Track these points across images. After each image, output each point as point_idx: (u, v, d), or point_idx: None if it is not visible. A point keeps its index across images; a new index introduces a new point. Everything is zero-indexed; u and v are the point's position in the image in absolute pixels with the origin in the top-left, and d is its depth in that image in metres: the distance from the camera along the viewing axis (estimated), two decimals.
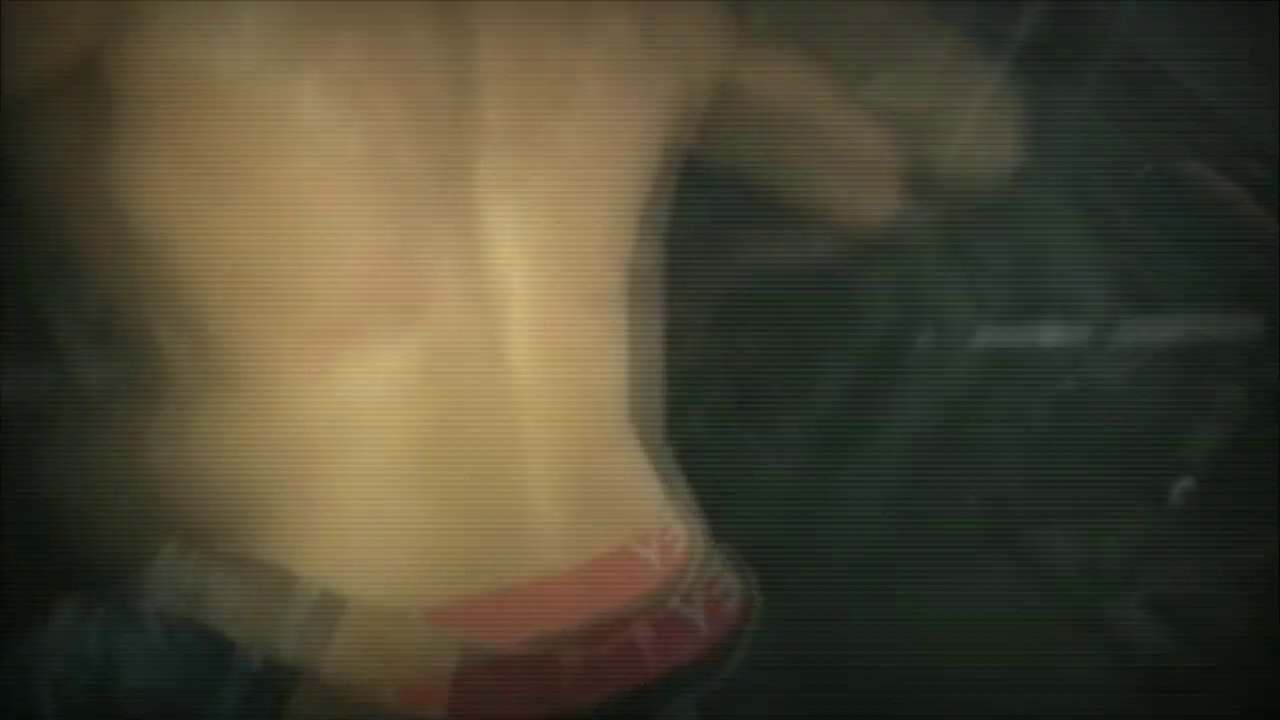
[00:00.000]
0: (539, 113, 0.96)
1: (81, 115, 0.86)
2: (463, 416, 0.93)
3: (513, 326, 0.95)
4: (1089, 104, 1.85)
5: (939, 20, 1.19)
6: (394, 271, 0.90)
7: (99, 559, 0.96)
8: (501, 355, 0.94)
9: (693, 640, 0.97)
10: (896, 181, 1.22)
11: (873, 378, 1.76)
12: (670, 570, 0.99)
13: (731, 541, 1.04)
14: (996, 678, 1.82)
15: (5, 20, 0.81)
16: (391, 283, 0.90)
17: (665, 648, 0.96)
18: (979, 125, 1.18)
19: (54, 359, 1.01)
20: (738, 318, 1.61)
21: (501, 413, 0.94)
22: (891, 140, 1.19)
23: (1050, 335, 1.88)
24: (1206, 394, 1.97)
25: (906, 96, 1.19)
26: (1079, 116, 1.85)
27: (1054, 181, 1.79)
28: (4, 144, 0.89)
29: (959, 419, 1.82)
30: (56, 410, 1.03)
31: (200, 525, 0.91)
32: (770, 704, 1.01)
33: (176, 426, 0.93)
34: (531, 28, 0.95)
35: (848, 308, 1.73)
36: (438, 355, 0.92)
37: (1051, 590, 1.99)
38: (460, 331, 0.93)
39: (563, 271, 0.96)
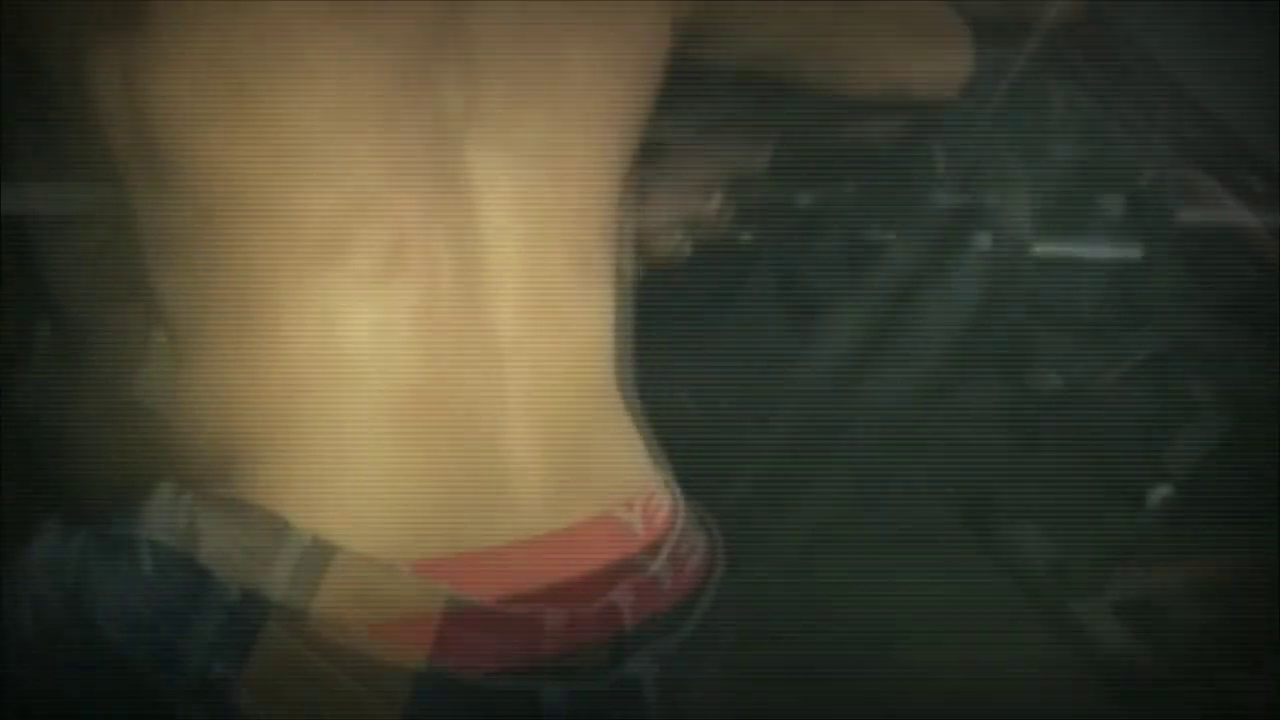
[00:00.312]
0: (526, 69, 0.96)
1: (108, 24, 0.88)
2: (447, 369, 0.93)
3: (500, 281, 0.95)
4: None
5: None
6: (379, 211, 0.91)
7: (87, 488, 0.97)
8: (488, 309, 0.95)
9: (660, 597, 0.98)
10: (967, 34, 1.19)
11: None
12: (653, 536, 1.00)
13: (702, 501, 1.05)
14: (958, 654, 1.85)
15: None
16: (377, 222, 0.91)
17: (644, 609, 0.97)
18: None
19: (52, 296, 1.02)
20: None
21: (487, 367, 0.95)
22: None
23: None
24: (1191, 402, 1.99)
25: None
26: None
27: None
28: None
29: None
30: (54, 345, 1.04)
31: (193, 465, 0.93)
32: (727, 665, 1.01)
33: (169, 367, 0.94)
34: None
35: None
36: (422, 305, 0.93)
37: (1020, 583, 2.01)
38: (446, 282, 0.93)
39: (549, 228, 0.97)
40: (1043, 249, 1.82)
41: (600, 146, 1.00)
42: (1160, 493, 1.92)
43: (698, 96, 1.10)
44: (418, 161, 0.92)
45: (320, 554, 0.89)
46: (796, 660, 1.73)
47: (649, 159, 1.06)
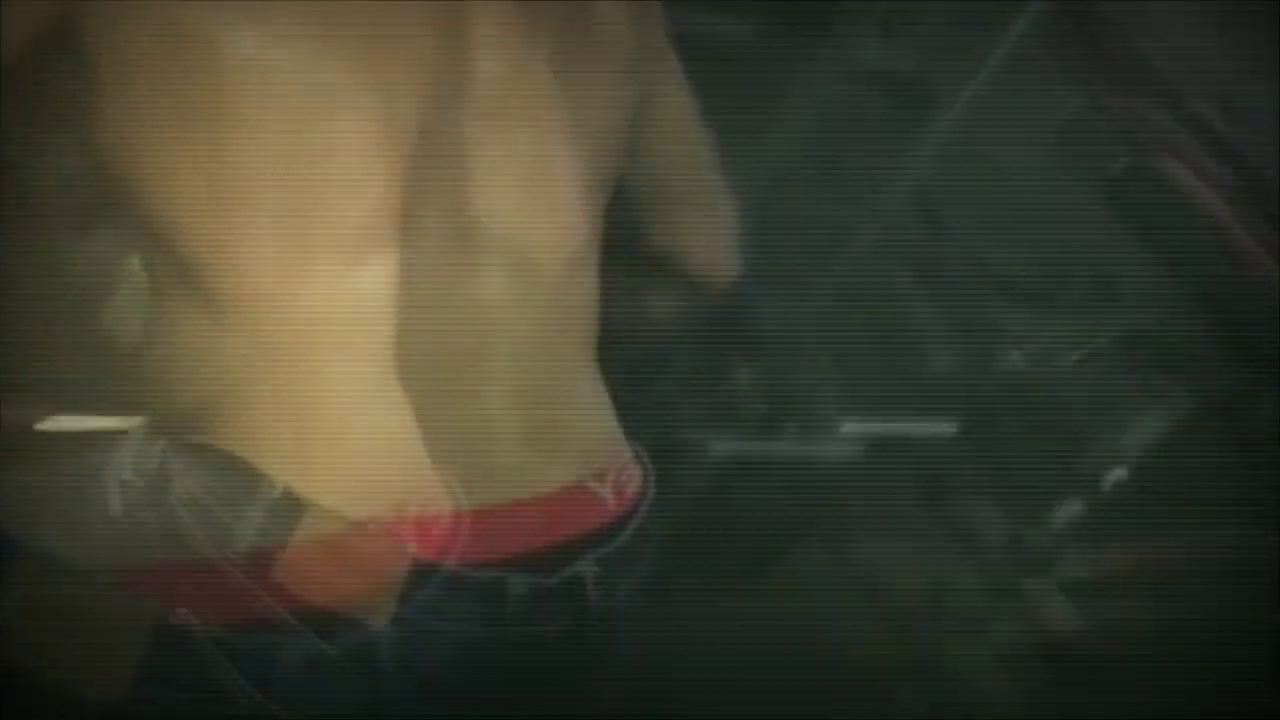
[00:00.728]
0: (530, 74, 0.99)
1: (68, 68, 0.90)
2: (432, 335, 0.96)
3: (490, 257, 0.98)
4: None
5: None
6: (371, 181, 0.93)
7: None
8: (476, 282, 0.98)
9: (605, 514, 1.02)
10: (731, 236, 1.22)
11: None
12: (623, 508, 1.03)
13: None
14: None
15: None
16: (367, 191, 0.93)
17: (606, 574, 1.01)
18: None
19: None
20: None
21: (472, 337, 0.98)
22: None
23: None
24: (1149, 389, 2.02)
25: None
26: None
27: None
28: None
29: None
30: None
31: (172, 411, 0.95)
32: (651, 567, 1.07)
33: (141, 298, 0.96)
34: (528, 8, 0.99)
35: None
36: (408, 272, 0.95)
37: (974, 558, 2.04)
38: (435, 251, 0.96)
39: (542, 210, 1.00)
40: None
41: (589, 143, 1.03)
42: (1115, 475, 1.94)
43: None
44: (413, 135, 0.94)
45: (290, 508, 0.91)
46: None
47: None
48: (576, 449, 1.03)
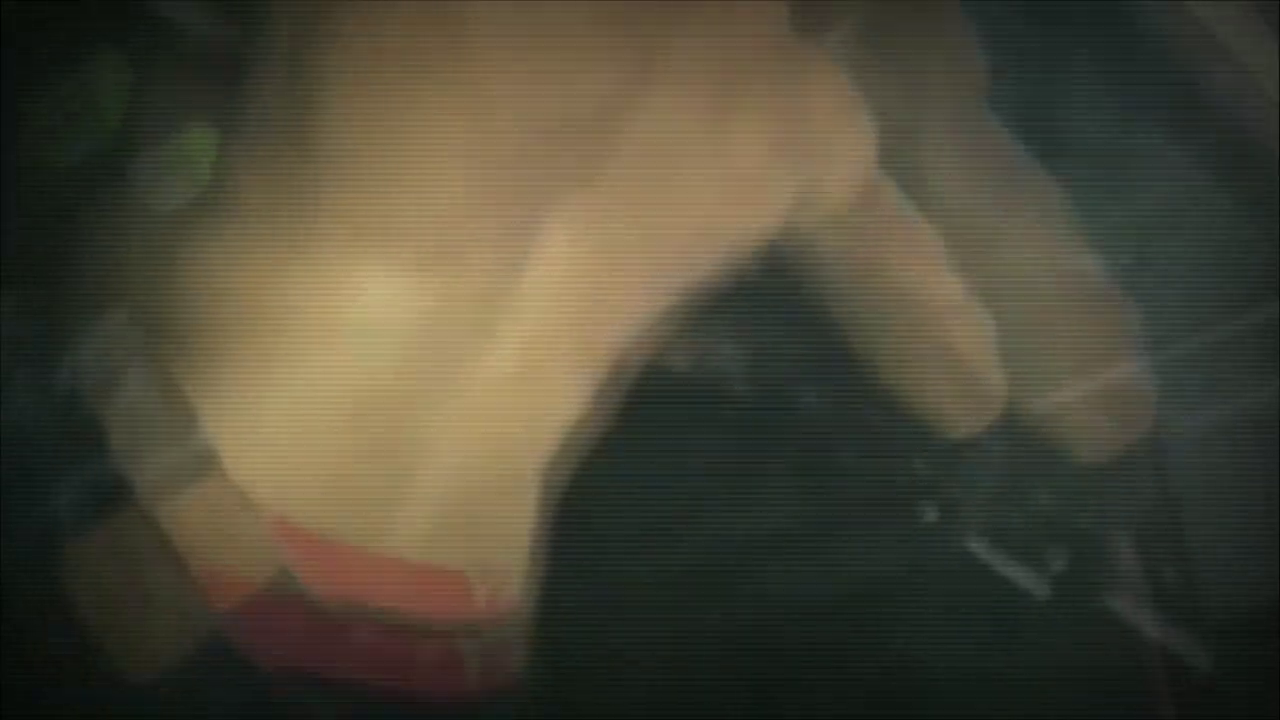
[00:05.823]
0: (638, 175, 0.95)
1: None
2: (409, 379, 0.94)
3: (497, 338, 0.96)
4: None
5: None
6: (439, 217, 0.90)
7: None
8: (471, 351, 0.96)
9: (470, 610, 1.03)
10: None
11: None
12: (490, 614, 1.03)
13: None
14: None
15: None
16: (430, 226, 0.90)
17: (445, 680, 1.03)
18: None
19: None
20: None
21: (441, 399, 0.96)
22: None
23: None
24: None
25: None
26: None
27: None
28: None
29: None
30: None
31: (161, 318, 0.91)
32: None
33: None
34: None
35: None
36: (416, 314, 0.93)
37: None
38: (455, 307, 0.94)
39: (569, 322, 0.96)
40: None
41: (663, 279, 0.99)
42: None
43: None
44: (506, 197, 0.90)
45: (201, 462, 0.90)
46: None
47: None
48: (479, 542, 1.03)
